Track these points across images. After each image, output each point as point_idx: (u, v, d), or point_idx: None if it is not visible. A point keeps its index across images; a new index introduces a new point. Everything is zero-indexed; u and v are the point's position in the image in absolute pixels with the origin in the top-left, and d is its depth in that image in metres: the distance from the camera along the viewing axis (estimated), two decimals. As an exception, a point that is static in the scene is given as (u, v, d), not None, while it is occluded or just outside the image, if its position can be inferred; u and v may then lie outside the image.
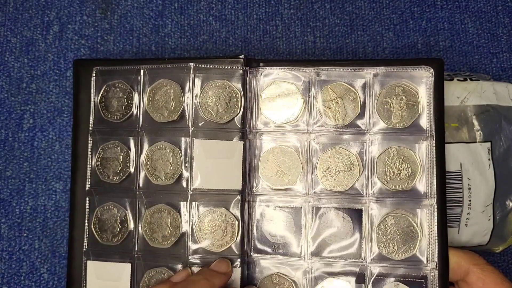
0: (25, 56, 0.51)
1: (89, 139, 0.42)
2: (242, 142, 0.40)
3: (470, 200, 0.42)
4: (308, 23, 0.52)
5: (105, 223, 0.41)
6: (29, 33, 0.51)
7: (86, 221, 0.41)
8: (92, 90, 0.42)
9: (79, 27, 0.52)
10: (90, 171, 0.42)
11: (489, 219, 0.42)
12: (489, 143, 0.42)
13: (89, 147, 0.42)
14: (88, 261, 0.41)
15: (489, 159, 0.42)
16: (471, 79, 0.44)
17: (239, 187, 0.40)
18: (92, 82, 0.42)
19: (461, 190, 0.42)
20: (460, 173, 0.42)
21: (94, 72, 0.42)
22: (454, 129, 0.42)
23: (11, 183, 0.49)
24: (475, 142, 0.42)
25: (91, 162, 0.42)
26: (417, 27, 0.52)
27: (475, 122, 0.42)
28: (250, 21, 0.52)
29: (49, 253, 0.48)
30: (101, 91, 0.42)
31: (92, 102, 0.42)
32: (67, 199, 0.48)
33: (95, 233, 0.41)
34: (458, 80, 0.44)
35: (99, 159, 0.42)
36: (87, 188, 0.42)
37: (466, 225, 0.42)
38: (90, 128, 0.42)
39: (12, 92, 0.50)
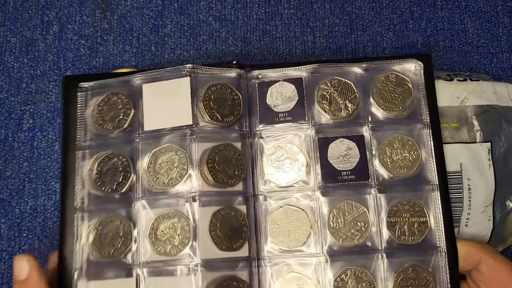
0: (25, 56, 0.51)
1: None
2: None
3: (470, 201, 0.42)
4: (308, 23, 0.52)
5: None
6: (29, 33, 0.51)
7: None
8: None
9: (79, 27, 0.52)
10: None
11: (489, 220, 0.42)
12: (489, 143, 0.42)
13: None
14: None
15: (489, 160, 0.42)
16: (471, 79, 0.44)
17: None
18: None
19: (461, 190, 0.42)
20: (460, 174, 0.42)
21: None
22: (454, 129, 0.42)
23: (11, 183, 0.49)
24: (475, 142, 0.42)
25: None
26: (417, 27, 0.52)
27: (475, 122, 0.42)
28: (250, 21, 0.52)
29: (49, 253, 0.48)
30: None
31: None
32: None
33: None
34: (458, 80, 0.44)
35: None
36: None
37: (466, 225, 0.42)
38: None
39: (12, 92, 0.50)
